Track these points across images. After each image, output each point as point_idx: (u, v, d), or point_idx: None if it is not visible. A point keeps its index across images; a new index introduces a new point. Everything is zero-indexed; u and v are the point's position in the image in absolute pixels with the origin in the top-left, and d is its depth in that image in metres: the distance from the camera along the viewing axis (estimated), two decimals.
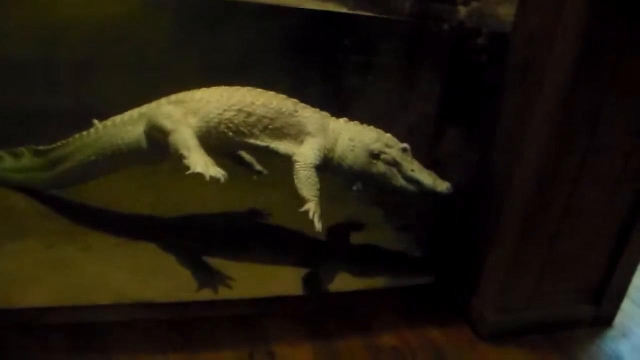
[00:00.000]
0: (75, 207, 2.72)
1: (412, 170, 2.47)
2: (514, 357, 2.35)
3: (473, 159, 2.51)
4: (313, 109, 2.52)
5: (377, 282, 2.64)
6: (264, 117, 2.43)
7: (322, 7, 2.97)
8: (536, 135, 2.13)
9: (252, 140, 2.47)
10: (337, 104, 3.53)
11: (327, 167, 2.48)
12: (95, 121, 2.62)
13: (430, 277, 2.68)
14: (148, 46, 3.07)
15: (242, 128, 2.43)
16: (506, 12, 2.35)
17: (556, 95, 2.05)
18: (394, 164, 2.46)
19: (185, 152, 2.31)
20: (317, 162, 2.40)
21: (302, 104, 2.52)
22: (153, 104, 2.51)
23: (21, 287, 2.23)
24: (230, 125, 2.42)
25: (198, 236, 2.48)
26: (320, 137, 2.47)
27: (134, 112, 2.53)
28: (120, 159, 2.56)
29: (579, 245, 2.38)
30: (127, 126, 2.52)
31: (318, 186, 2.36)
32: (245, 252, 2.63)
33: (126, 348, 2.10)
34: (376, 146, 2.46)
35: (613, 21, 1.98)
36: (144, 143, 2.50)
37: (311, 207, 2.29)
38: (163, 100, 2.50)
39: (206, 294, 2.37)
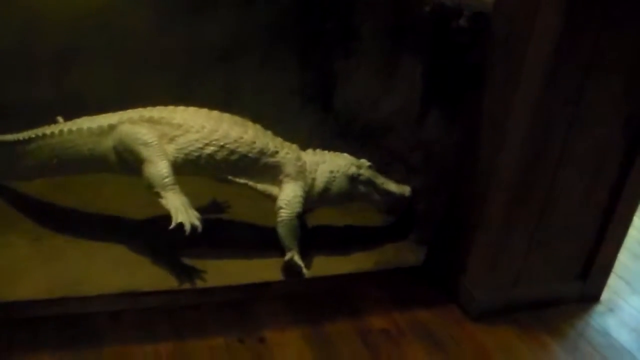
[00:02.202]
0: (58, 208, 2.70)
1: (382, 183, 2.74)
2: (504, 336, 2.37)
3: (458, 141, 2.51)
4: (289, 145, 2.58)
5: (366, 265, 2.64)
6: (246, 156, 2.44)
7: None
8: (520, 114, 2.14)
9: (230, 177, 2.51)
10: (319, 89, 3.54)
11: (307, 203, 2.58)
12: (60, 119, 2.55)
13: (418, 259, 2.68)
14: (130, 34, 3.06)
15: (222, 165, 2.44)
16: None
17: (538, 74, 2.06)
18: (369, 182, 2.69)
19: (161, 191, 2.31)
20: (301, 210, 2.50)
21: (280, 140, 2.57)
22: (125, 117, 2.42)
23: (8, 281, 2.22)
24: (211, 161, 2.41)
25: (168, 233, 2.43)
26: (300, 179, 2.54)
27: (104, 123, 2.42)
28: (84, 166, 2.50)
29: (564, 223, 2.40)
30: (95, 136, 2.42)
31: (299, 234, 2.48)
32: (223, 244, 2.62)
33: (116, 338, 2.09)
34: (353, 170, 2.65)
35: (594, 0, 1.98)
36: (112, 157, 2.43)
37: (294, 255, 2.44)
38: (136, 114, 2.42)
39: (197, 281, 2.38)
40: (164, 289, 2.32)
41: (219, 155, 2.40)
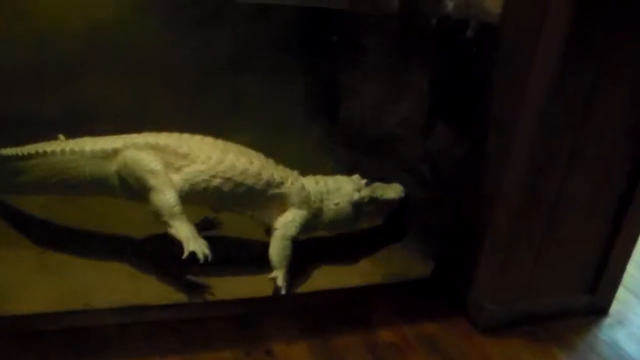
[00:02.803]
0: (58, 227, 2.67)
1: (381, 195, 2.76)
2: (512, 348, 2.35)
3: (464, 152, 2.51)
4: (292, 173, 2.58)
5: (373, 277, 2.63)
6: (252, 188, 2.43)
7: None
8: (526, 125, 2.14)
9: (236, 208, 2.51)
10: (327, 101, 3.55)
11: (317, 228, 2.62)
12: (61, 136, 2.51)
13: (426, 272, 2.67)
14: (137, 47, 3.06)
15: (228, 197, 2.42)
16: (493, 3, 2.35)
17: (546, 84, 2.06)
18: (371, 200, 2.71)
19: (169, 220, 2.30)
20: (296, 236, 2.48)
21: (282, 168, 2.56)
22: (130, 142, 2.39)
23: (14, 294, 2.22)
24: (217, 192, 2.40)
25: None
26: (304, 208, 2.53)
27: (108, 146, 2.38)
28: (85, 188, 2.45)
29: (572, 234, 2.39)
30: (98, 159, 2.39)
31: (290, 258, 2.45)
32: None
33: (123, 351, 2.09)
34: (356, 197, 2.65)
35: (600, 9, 1.98)
36: (114, 182, 2.41)
37: (279, 275, 2.41)
38: (141, 140, 2.39)
39: (204, 295, 2.37)
40: (171, 303, 2.32)
41: (226, 187, 2.39)
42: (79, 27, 2.92)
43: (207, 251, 2.27)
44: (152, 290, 2.35)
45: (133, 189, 2.37)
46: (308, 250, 2.58)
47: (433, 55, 2.89)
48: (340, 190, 2.65)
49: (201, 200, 2.44)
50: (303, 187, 2.55)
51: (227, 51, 3.25)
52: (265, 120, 3.19)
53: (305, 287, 2.50)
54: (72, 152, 2.40)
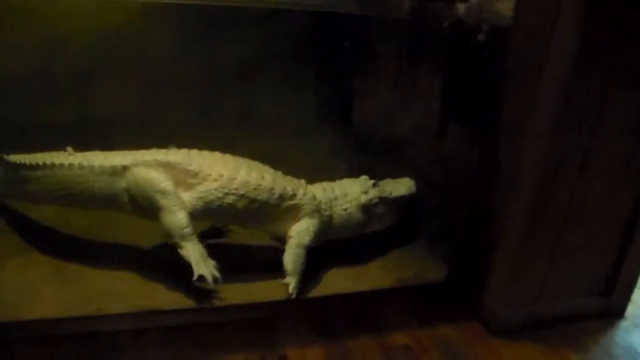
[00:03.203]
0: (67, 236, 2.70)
1: (390, 193, 2.76)
2: (527, 352, 2.34)
3: (477, 155, 2.51)
4: (300, 183, 2.60)
5: (387, 282, 2.64)
6: (266, 203, 2.45)
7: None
8: (539, 128, 2.13)
9: (251, 224, 2.53)
10: (340, 106, 3.56)
11: (329, 235, 2.64)
12: (69, 149, 2.49)
13: (439, 276, 2.67)
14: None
15: (243, 214, 2.44)
16: (505, 7, 2.35)
17: (557, 89, 2.05)
18: (380, 201, 2.72)
19: (180, 242, 2.32)
20: (310, 244, 2.50)
21: (290, 179, 2.57)
22: (139, 158, 2.39)
23: (30, 300, 2.25)
24: (232, 210, 2.41)
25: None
26: (316, 217, 2.55)
27: (117, 163, 2.38)
28: (93, 203, 2.46)
29: (586, 237, 2.38)
30: (107, 176, 2.39)
31: (304, 266, 2.47)
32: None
33: (138, 356, 2.10)
34: (364, 200, 2.68)
35: (611, 13, 1.98)
36: (123, 199, 2.41)
37: (291, 282, 2.42)
38: (150, 157, 2.39)
39: (214, 300, 2.38)
40: (184, 307, 2.33)
41: (240, 204, 2.40)
42: (89, 36, 2.94)
43: (216, 274, 2.30)
44: (165, 296, 2.37)
45: (143, 207, 2.38)
46: (322, 254, 2.59)
47: (445, 60, 2.90)
48: (347, 195, 2.67)
49: (216, 217, 2.46)
50: (314, 197, 2.57)
51: (240, 58, 3.27)
52: (279, 126, 3.20)
53: (320, 292, 2.51)
54: (81, 166, 2.40)
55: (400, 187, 2.81)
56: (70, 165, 2.40)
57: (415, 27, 3.11)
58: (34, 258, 2.49)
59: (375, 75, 3.41)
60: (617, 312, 2.62)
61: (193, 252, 2.31)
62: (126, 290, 2.36)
